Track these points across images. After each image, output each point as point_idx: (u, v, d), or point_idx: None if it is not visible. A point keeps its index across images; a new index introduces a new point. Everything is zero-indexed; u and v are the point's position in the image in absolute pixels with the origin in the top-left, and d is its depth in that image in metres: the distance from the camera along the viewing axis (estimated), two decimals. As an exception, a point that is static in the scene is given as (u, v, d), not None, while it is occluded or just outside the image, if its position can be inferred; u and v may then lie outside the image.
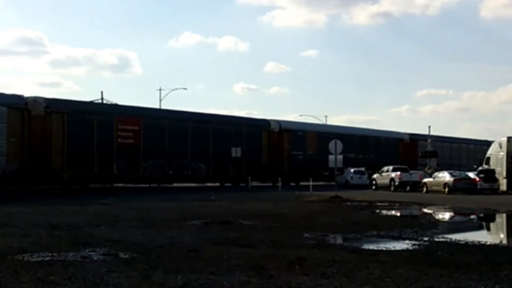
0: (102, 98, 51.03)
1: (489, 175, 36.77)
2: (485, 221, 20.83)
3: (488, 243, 12.35)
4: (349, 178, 45.17)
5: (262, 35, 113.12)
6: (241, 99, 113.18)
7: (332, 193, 28.55)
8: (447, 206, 24.77)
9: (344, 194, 29.48)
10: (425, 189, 38.11)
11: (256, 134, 45.61)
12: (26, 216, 17.11)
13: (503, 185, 36.85)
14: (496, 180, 36.64)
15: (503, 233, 17.17)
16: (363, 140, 53.58)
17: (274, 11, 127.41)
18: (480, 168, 39.41)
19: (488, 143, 64.66)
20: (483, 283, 7.61)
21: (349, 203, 25.41)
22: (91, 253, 9.90)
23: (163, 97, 63.90)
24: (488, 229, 18.74)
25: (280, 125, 48.01)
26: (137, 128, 37.64)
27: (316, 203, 25.16)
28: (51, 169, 32.95)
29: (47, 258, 9.35)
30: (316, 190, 33.12)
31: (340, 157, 29.76)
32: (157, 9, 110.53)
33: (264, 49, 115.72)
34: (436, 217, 20.82)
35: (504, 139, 38.28)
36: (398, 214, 21.87)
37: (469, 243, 12.03)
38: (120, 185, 38.71)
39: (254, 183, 43.17)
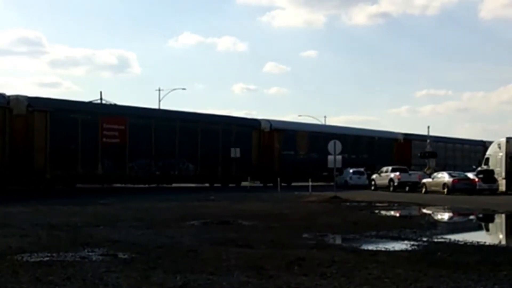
0: (101, 98, 51.03)
1: (488, 176, 36.78)
2: (484, 221, 20.83)
3: (487, 243, 12.36)
4: (348, 178, 45.13)
5: (261, 35, 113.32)
6: (241, 99, 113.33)
7: (331, 194, 28.56)
8: (446, 207, 24.77)
9: (343, 194, 29.49)
10: (424, 189, 38.12)
11: (246, 133, 44.85)
12: (25, 216, 17.11)
13: (502, 185, 36.87)
14: (495, 180, 36.65)
15: (502, 233, 17.18)
16: (356, 140, 52.78)
17: (274, 11, 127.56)
18: (479, 168, 39.46)
19: (483, 143, 64.89)
20: (482, 284, 7.62)
21: (348, 204, 25.42)
22: (90, 253, 9.91)
23: (163, 97, 63.86)
24: (487, 229, 18.75)
25: (271, 125, 47.37)
26: (122, 127, 36.99)
27: (315, 203, 25.16)
28: (33, 169, 32.30)
29: (46, 258, 9.35)
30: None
31: (339, 157, 29.75)
32: (156, 9, 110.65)
33: (264, 49, 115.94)
34: (435, 218, 20.82)
35: (503, 140, 38.29)
36: (397, 214, 21.87)
37: (468, 244, 12.04)
38: (107, 185, 38.01)
39: (244, 184, 42.91)
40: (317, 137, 49.18)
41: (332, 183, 31.02)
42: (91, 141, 35.07)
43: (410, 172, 43.30)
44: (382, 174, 42.82)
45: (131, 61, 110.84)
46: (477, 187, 35.95)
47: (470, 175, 38.22)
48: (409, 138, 59.00)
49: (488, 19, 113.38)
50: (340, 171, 39.88)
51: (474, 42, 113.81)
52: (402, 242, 12.22)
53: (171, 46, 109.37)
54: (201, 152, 41.28)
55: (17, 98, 32.87)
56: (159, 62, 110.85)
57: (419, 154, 53.66)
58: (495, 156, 38.58)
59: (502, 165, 37.59)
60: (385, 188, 41.01)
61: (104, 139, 35.88)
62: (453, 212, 23.01)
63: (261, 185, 45.23)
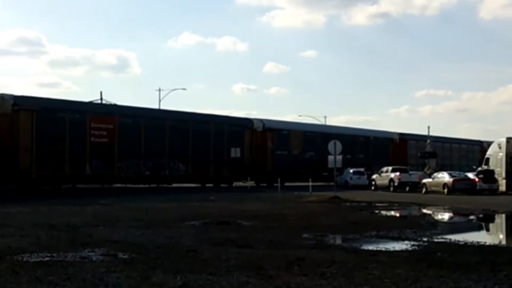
0: (101, 99, 51.02)
1: (488, 176, 36.80)
2: (484, 221, 20.83)
3: (488, 243, 12.36)
4: (348, 178, 45.11)
5: (261, 35, 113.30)
6: (241, 100, 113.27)
7: (331, 194, 28.56)
8: (446, 207, 24.77)
9: (343, 194, 29.49)
10: (424, 189, 38.13)
11: (238, 133, 44.16)
12: (25, 216, 17.12)
13: (502, 185, 36.88)
14: (496, 180, 36.67)
15: (502, 233, 17.19)
16: (351, 140, 51.48)
17: (273, 12, 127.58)
18: (479, 168, 39.47)
19: (480, 143, 64.87)
20: (482, 284, 7.62)
21: (348, 204, 25.41)
22: (90, 254, 9.90)
23: (163, 98, 63.87)
24: (488, 229, 18.75)
25: (263, 124, 46.65)
26: (111, 126, 36.33)
27: (315, 203, 25.15)
28: (18, 169, 31.71)
29: (46, 259, 9.34)
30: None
31: (339, 157, 29.75)
32: (156, 10, 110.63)
33: (263, 50, 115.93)
34: (436, 218, 20.82)
35: (503, 140, 38.31)
36: (398, 214, 21.87)
37: (469, 244, 12.04)
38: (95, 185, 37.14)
39: (236, 184, 42.62)
40: (312, 136, 48.90)
41: (332, 183, 31.01)
42: (79, 141, 34.41)
43: (410, 172, 43.31)
44: (382, 174, 42.85)
45: (131, 61, 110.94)
46: (477, 187, 35.97)
47: (470, 175, 38.24)
48: (404, 138, 58.48)
49: (488, 19, 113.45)
50: (340, 171, 39.78)
51: (473, 42, 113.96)
52: (402, 242, 12.22)
53: (171, 46, 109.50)
54: (192, 152, 40.61)
55: (3, 96, 32.34)
56: (159, 62, 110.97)
57: (419, 154, 53.60)
58: (495, 156, 38.59)
59: (502, 165, 37.61)
60: (385, 188, 41.02)
61: (92, 139, 35.22)
62: (453, 212, 23.01)
63: (254, 185, 44.63)
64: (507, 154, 37.60)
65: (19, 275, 7.95)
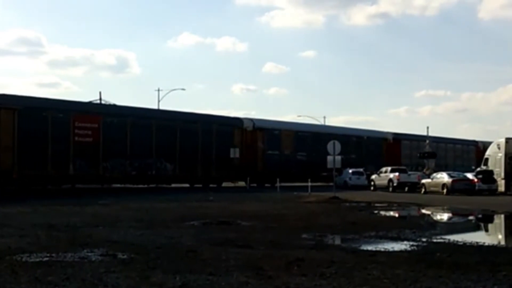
0: (100, 99, 50.93)
1: (488, 176, 36.82)
2: (483, 222, 20.84)
3: (487, 244, 12.35)
4: (347, 179, 45.11)
5: (260, 35, 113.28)
6: (240, 100, 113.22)
7: (330, 194, 28.57)
8: (445, 207, 24.79)
9: (342, 195, 29.50)
10: (423, 190, 38.16)
11: (228, 132, 43.47)
12: (24, 216, 17.11)
13: (501, 186, 36.92)
14: (495, 181, 36.69)
15: (501, 234, 17.18)
16: (344, 140, 49.79)
17: (273, 12, 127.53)
18: (478, 169, 39.50)
19: (475, 143, 64.83)
20: (481, 284, 7.62)
21: (347, 204, 25.43)
22: (90, 254, 9.90)
23: (162, 98, 63.82)
24: (487, 230, 18.76)
25: (254, 124, 45.99)
26: (96, 125, 35.70)
27: (314, 204, 25.16)
28: None
29: (45, 259, 9.35)
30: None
31: (338, 157, 29.75)
32: (155, 10, 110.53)
33: (263, 50, 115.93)
34: (435, 218, 20.84)
35: (503, 140, 38.35)
36: (397, 215, 21.88)
37: (468, 244, 12.04)
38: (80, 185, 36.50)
39: (226, 184, 42.33)
40: (304, 136, 48.35)
41: (331, 183, 31.02)
42: (63, 140, 33.77)
43: (409, 172, 43.32)
44: (382, 175, 42.88)
45: (130, 61, 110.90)
46: (477, 187, 36.00)
47: (470, 175, 38.27)
48: (398, 138, 57.80)
49: (487, 19, 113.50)
50: (339, 171, 39.73)
51: (473, 42, 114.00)
52: (401, 242, 12.23)
53: (171, 46, 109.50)
54: (179, 151, 39.92)
55: None
56: (159, 63, 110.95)
57: (418, 155, 53.54)
58: (495, 156, 38.63)
59: (501, 166, 37.65)
60: (384, 188, 41.04)
61: (76, 138, 34.58)
62: (452, 213, 23.02)
63: (245, 185, 43.79)
64: (506, 155, 37.63)
65: (18, 275, 7.96)
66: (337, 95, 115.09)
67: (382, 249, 11.13)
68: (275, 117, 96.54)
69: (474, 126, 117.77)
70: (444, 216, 21.96)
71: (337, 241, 12.83)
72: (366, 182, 44.57)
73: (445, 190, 36.20)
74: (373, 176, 43.59)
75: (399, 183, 40.80)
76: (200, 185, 40.97)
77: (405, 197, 32.37)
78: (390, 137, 57.56)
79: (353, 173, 45.79)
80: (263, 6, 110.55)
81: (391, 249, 11.20)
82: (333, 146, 29.48)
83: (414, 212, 22.95)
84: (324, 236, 13.30)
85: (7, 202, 22.77)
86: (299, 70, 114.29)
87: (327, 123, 68.74)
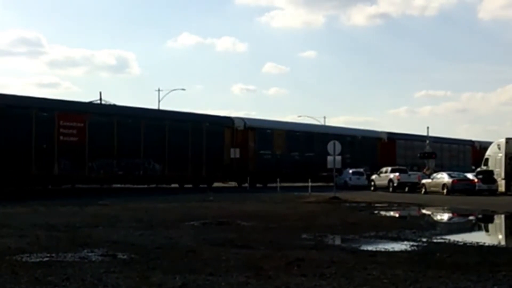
0: (100, 99, 50.92)
1: (488, 176, 36.81)
2: (483, 222, 20.83)
3: (487, 244, 12.35)
4: (347, 179, 45.07)
5: (260, 35, 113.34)
6: (240, 100, 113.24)
7: (330, 194, 28.56)
8: (445, 207, 24.79)
9: (342, 195, 29.48)
10: (423, 190, 38.15)
11: (218, 132, 42.76)
12: (24, 216, 17.09)
13: (501, 186, 36.91)
14: (495, 181, 36.68)
15: (501, 234, 17.19)
16: (338, 139, 50.39)
17: (272, 12, 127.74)
18: (478, 169, 39.49)
19: (472, 143, 64.73)
20: (481, 284, 7.63)
21: (347, 204, 25.41)
22: (90, 254, 9.90)
23: (162, 98, 63.72)
24: (487, 230, 18.76)
25: (245, 123, 45.33)
26: (81, 125, 34.85)
27: (314, 204, 25.15)
28: None
29: (45, 259, 9.34)
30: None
31: (338, 157, 29.74)
32: (155, 10, 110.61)
33: (263, 50, 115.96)
34: (435, 218, 20.83)
35: (503, 140, 38.34)
36: (397, 215, 21.88)
37: (468, 244, 12.04)
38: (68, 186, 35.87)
39: (216, 184, 42.03)
40: (296, 136, 47.82)
41: (331, 184, 31.01)
42: (47, 140, 32.89)
43: (410, 172, 43.30)
44: (382, 175, 42.88)
45: (130, 62, 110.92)
46: (477, 187, 35.99)
47: (470, 175, 38.26)
48: (393, 138, 57.20)
49: (487, 20, 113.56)
50: (339, 171, 39.63)
51: (473, 42, 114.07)
52: (401, 242, 12.23)
53: (170, 47, 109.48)
54: (168, 151, 39.10)
55: None
56: (158, 63, 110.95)
57: (419, 155, 53.43)
58: (495, 156, 38.62)
59: (501, 166, 37.65)
60: (384, 188, 41.03)
61: (61, 137, 33.72)
62: (452, 213, 23.03)
63: (236, 185, 43.67)
64: (506, 155, 37.63)
65: (18, 275, 7.96)
66: (337, 95, 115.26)
67: (382, 249, 11.13)
68: (275, 117, 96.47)
69: (474, 126, 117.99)
70: (444, 216, 21.95)
71: (337, 241, 12.83)
72: (366, 182, 44.56)
73: (445, 190, 36.19)
74: (373, 176, 43.58)
75: (399, 183, 40.78)
76: (190, 185, 40.49)
77: (405, 197, 32.36)
78: (385, 137, 56.96)
79: (353, 173, 45.78)
80: (263, 6, 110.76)
81: (391, 249, 11.20)
82: (333, 146, 29.48)
83: (414, 212, 22.95)
84: (324, 236, 13.29)
85: (7, 202, 22.75)
86: (299, 70, 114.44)
87: (327, 123, 68.71)
